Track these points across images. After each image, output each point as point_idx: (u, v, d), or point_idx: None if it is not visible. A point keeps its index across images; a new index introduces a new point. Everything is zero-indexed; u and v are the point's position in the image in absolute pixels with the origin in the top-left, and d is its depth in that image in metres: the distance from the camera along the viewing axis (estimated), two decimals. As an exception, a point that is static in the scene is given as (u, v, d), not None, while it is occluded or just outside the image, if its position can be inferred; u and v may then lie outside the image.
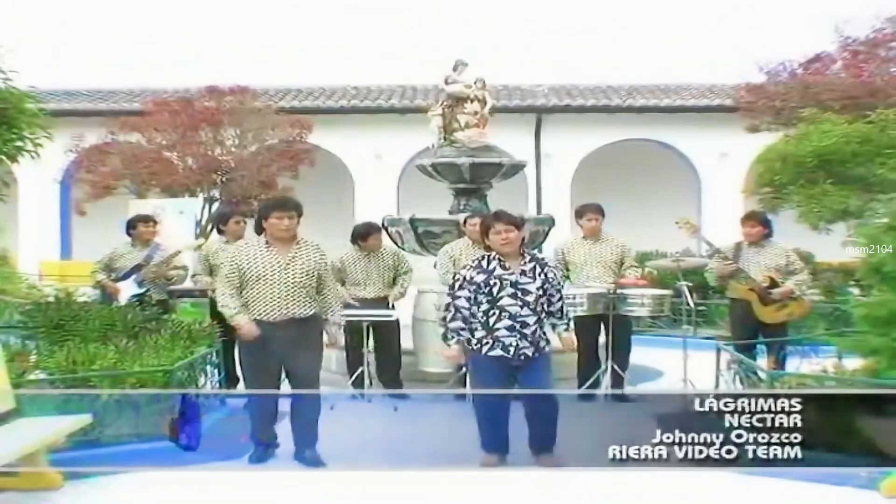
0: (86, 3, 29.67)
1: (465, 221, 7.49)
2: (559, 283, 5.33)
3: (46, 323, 6.85)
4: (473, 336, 5.20)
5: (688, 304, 7.10)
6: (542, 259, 5.33)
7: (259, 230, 5.41)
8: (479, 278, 5.14)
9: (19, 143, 7.89)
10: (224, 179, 14.65)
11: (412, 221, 8.58)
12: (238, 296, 5.37)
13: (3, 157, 8.00)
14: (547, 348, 5.24)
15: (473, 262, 5.32)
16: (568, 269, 7.28)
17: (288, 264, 5.31)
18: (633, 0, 29.58)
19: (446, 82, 9.19)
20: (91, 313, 6.86)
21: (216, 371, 6.71)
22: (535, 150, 18.56)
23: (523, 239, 5.33)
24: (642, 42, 29.66)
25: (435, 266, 7.71)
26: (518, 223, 5.23)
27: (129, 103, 18.65)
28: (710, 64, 25.35)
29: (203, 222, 14.61)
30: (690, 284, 7.43)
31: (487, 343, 5.15)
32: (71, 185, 17.63)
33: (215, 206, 14.78)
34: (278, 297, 5.29)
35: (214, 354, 6.71)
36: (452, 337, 5.24)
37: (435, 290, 7.34)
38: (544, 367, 5.22)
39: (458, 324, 5.19)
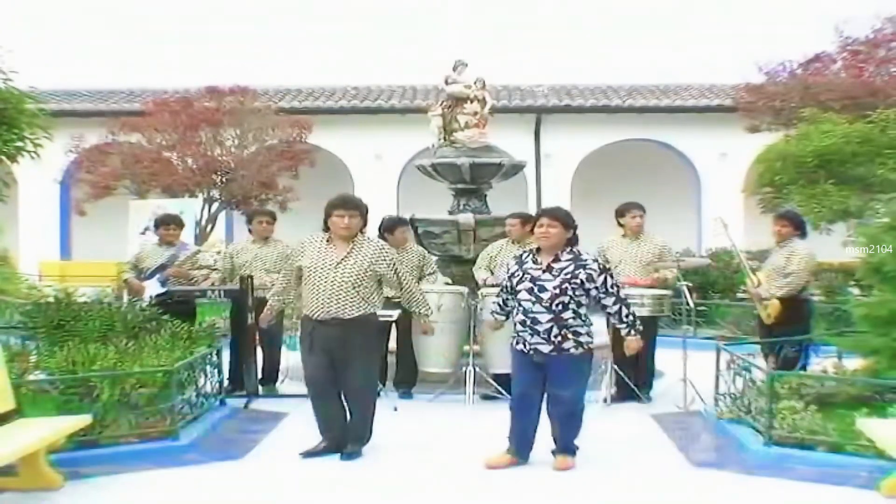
0: (86, 3, 29.67)
1: (505, 220, 7.58)
2: (609, 288, 5.13)
3: (46, 323, 6.84)
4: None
5: (688, 304, 7.10)
6: (586, 260, 5.15)
7: (326, 227, 5.41)
8: (513, 268, 5.26)
9: (19, 144, 7.89)
10: (224, 179, 14.64)
11: (412, 221, 8.58)
12: (288, 289, 5.53)
13: (3, 158, 8.00)
14: (576, 351, 5.08)
15: (518, 252, 5.49)
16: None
17: (339, 263, 5.27)
18: (634, 0, 29.59)
19: (446, 82, 9.19)
20: (91, 313, 6.85)
21: (216, 371, 6.70)
22: (535, 150, 18.56)
23: (570, 239, 5.21)
24: (642, 42, 29.69)
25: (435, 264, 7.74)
26: (564, 220, 5.16)
27: (129, 103, 18.66)
28: (710, 64, 25.38)
29: (203, 222, 14.61)
30: (690, 284, 7.43)
31: (514, 336, 5.21)
32: (71, 185, 17.64)
33: (215, 206, 14.79)
34: (324, 295, 5.24)
35: (214, 354, 6.71)
36: (494, 310, 5.45)
37: (435, 290, 7.34)
38: (567, 370, 5.10)
39: (505, 296, 5.33)
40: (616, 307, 5.18)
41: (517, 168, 9.37)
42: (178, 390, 5.73)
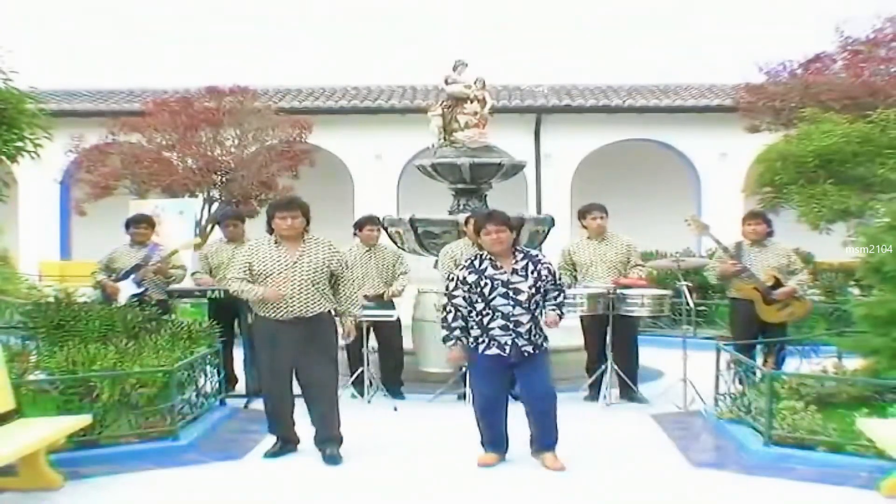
0: (86, 3, 29.68)
1: (466, 221, 7.52)
2: (556, 280, 5.31)
3: (46, 323, 6.83)
4: (471, 335, 5.21)
5: (688, 304, 7.10)
6: (536, 256, 5.31)
7: (270, 230, 5.45)
8: (472, 278, 5.18)
9: (19, 144, 7.88)
10: (224, 179, 14.64)
11: (412, 221, 8.57)
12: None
13: (3, 158, 7.99)
14: (546, 345, 5.26)
15: (466, 261, 5.35)
16: (575, 270, 7.31)
17: (295, 262, 5.34)
18: (634, 0, 29.60)
19: (446, 82, 9.18)
20: (91, 313, 6.84)
21: (216, 371, 6.70)
22: (535, 150, 18.58)
23: (515, 238, 5.33)
24: (642, 42, 29.71)
25: (435, 266, 7.72)
26: (510, 223, 5.22)
27: (129, 103, 18.69)
28: (710, 64, 25.41)
29: (203, 222, 14.61)
30: (690, 284, 7.43)
31: (484, 342, 5.18)
32: (71, 185, 17.64)
33: (215, 206, 14.78)
34: (286, 295, 5.29)
35: (214, 354, 6.71)
36: (452, 339, 5.23)
37: (435, 290, 7.34)
38: (541, 365, 5.22)
39: (459, 323, 5.19)
40: (560, 297, 5.32)
41: (517, 168, 9.36)
42: (178, 390, 5.73)
